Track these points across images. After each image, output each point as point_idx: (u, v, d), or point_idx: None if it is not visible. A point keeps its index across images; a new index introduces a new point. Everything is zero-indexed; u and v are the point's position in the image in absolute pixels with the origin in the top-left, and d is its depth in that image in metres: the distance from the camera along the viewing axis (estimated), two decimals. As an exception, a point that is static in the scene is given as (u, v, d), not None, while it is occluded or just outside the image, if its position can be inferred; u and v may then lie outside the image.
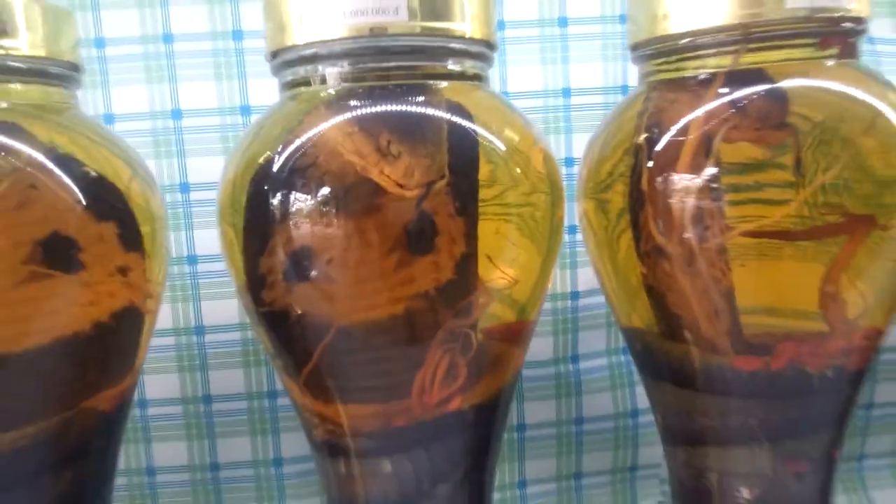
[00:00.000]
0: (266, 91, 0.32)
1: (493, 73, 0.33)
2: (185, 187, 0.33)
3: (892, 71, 0.36)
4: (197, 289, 0.34)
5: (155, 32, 0.32)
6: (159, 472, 0.35)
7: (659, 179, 0.23)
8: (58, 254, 0.22)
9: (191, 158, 0.33)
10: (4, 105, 0.22)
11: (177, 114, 0.33)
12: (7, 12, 0.21)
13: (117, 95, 0.32)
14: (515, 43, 0.35)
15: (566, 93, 0.35)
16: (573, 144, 0.35)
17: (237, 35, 0.33)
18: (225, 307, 0.34)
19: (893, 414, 0.40)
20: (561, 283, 0.36)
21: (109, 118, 0.32)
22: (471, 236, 0.23)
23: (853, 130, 0.22)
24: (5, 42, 0.21)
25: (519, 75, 0.35)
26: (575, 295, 0.36)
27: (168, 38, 0.32)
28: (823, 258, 0.23)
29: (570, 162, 0.35)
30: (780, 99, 0.23)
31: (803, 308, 0.24)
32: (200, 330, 0.34)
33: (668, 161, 0.23)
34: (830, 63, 0.23)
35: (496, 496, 0.38)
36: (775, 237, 0.22)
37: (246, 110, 0.33)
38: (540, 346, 0.37)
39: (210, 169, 0.33)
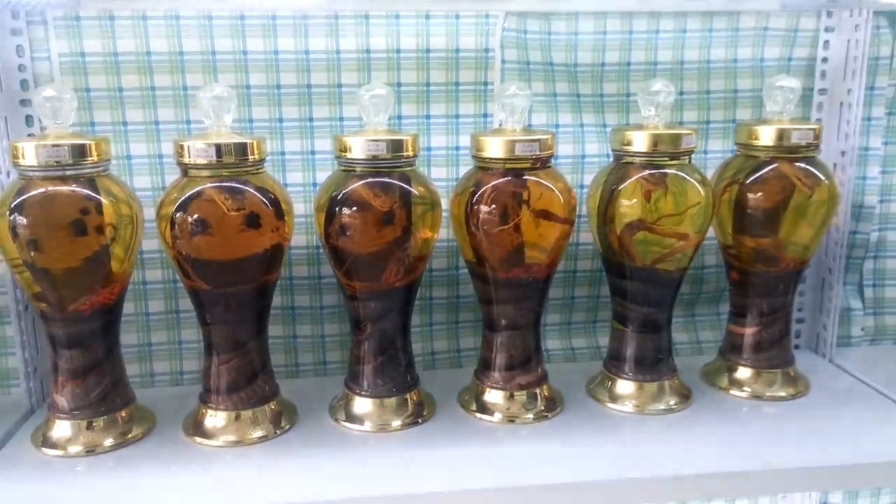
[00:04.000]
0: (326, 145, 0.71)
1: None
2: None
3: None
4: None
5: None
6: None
7: (474, 206, 0.64)
8: (252, 220, 0.61)
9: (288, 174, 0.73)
10: (259, 175, 0.61)
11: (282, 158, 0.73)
12: (248, 149, 0.60)
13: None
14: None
15: (457, 149, 0.75)
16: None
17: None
18: (302, 240, 0.74)
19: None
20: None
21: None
22: (407, 221, 0.63)
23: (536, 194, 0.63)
24: (249, 158, 0.60)
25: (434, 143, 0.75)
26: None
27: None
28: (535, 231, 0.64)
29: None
30: (521, 180, 0.63)
31: (537, 244, 0.65)
32: (289, 250, 0.74)
33: (477, 199, 0.63)
34: (538, 168, 0.63)
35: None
36: (512, 228, 0.63)
37: (314, 153, 0.73)
38: (441, 263, 0.78)
39: (296, 183, 0.73)
